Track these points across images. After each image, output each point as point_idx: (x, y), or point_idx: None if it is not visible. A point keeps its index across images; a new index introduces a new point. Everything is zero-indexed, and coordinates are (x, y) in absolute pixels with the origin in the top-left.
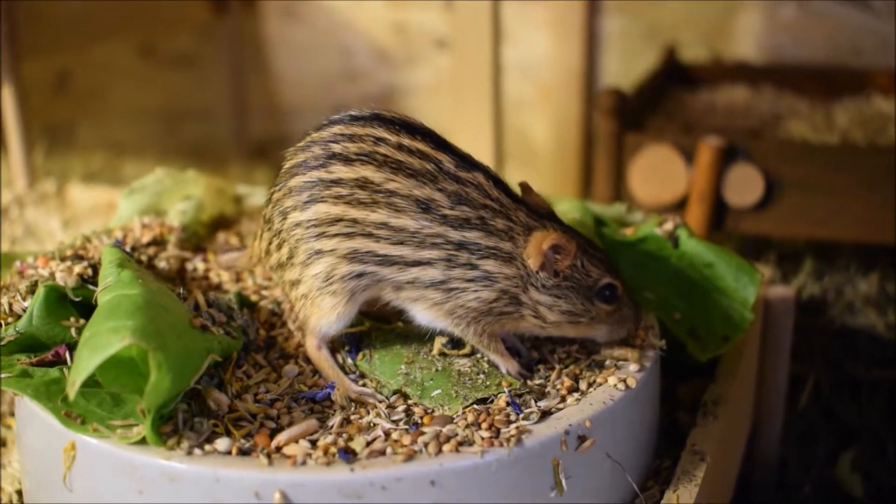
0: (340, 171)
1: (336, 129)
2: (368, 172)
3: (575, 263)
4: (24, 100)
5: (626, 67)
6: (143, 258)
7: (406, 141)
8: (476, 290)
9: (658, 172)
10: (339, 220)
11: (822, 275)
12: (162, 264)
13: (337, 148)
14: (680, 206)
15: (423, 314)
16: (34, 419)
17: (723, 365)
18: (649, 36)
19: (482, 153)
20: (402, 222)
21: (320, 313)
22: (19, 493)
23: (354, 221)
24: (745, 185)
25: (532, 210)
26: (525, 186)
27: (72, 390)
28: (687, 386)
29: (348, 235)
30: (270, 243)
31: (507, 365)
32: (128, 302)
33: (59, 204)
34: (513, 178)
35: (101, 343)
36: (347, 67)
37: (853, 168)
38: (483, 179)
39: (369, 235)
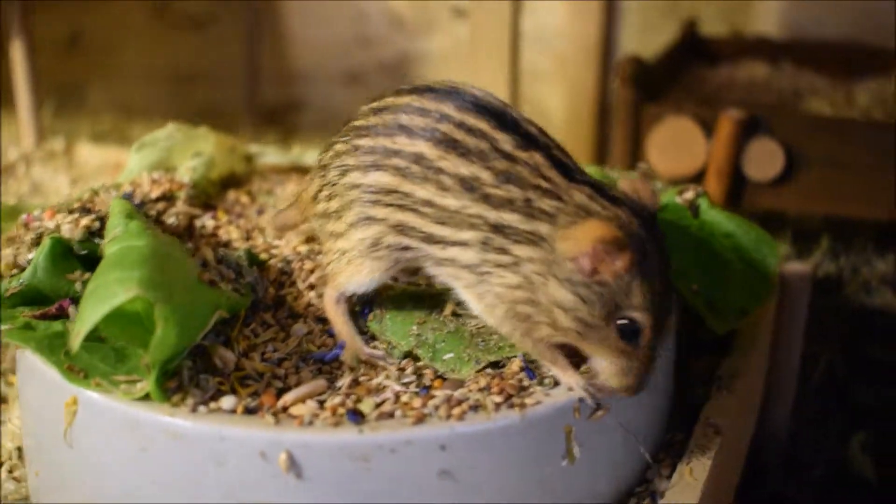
0: (402, 143)
1: (409, 98)
2: (425, 148)
3: (623, 276)
4: (35, 58)
5: (643, 41)
6: (152, 213)
7: (469, 119)
8: (502, 275)
9: (677, 144)
10: (393, 191)
11: (838, 254)
12: (171, 220)
13: (404, 119)
14: (697, 179)
15: (462, 294)
16: (36, 374)
17: (739, 339)
18: (668, 10)
19: None
20: (446, 202)
21: (354, 274)
22: (19, 449)
23: (406, 195)
24: (765, 159)
25: (605, 195)
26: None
27: (75, 341)
28: (701, 361)
29: (399, 207)
30: (321, 191)
31: (565, 377)
32: (135, 253)
33: (66, 162)
34: None
35: (106, 294)
36: (362, 33)
37: (876, 145)
38: (540, 158)
39: (416, 211)
